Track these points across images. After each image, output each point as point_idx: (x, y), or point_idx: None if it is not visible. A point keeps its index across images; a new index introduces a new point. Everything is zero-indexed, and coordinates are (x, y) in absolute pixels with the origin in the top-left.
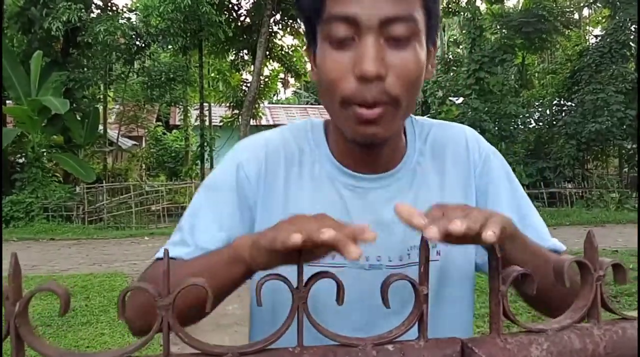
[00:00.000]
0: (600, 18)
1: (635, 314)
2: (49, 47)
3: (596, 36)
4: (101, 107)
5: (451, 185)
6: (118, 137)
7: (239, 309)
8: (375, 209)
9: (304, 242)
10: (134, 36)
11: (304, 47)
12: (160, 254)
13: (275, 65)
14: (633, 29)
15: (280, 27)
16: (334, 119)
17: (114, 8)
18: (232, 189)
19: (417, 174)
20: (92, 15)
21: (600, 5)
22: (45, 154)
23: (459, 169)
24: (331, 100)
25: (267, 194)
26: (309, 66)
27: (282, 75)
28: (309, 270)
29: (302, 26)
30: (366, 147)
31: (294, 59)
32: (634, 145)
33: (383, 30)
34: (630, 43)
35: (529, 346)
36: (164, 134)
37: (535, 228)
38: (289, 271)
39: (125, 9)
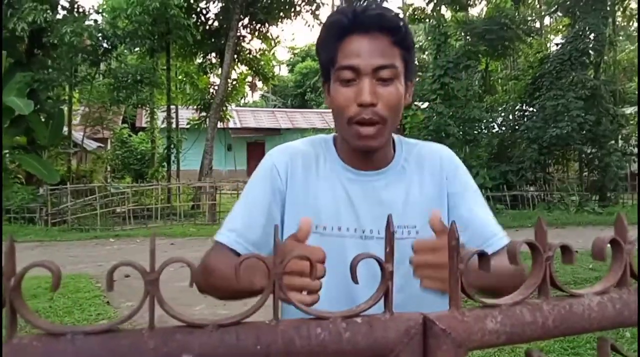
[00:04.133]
0: (560, 27)
1: (581, 292)
2: (13, 47)
3: (557, 44)
4: (66, 108)
5: (427, 185)
6: (83, 138)
7: (205, 308)
8: (375, 193)
9: None
10: (100, 38)
11: (322, 82)
12: (218, 238)
13: (243, 68)
14: (592, 38)
15: (249, 30)
16: (342, 134)
17: (81, 9)
18: (267, 180)
19: (403, 174)
20: (58, 16)
21: (560, 14)
22: (8, 155)
23: (435, 175)
24: (341, 120)
25: (291, 186)
26: (277, 69)
27: (250, 78)
28: (316, 239)
29: (320, 70)
30: (364, 153)
31: (262, 62)
32: (593, 150)
33: (375, 74)
34: (589, 51)
35: (484, 319)
36: (130, 136)
37: (481, 219)
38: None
39: (92, 11)
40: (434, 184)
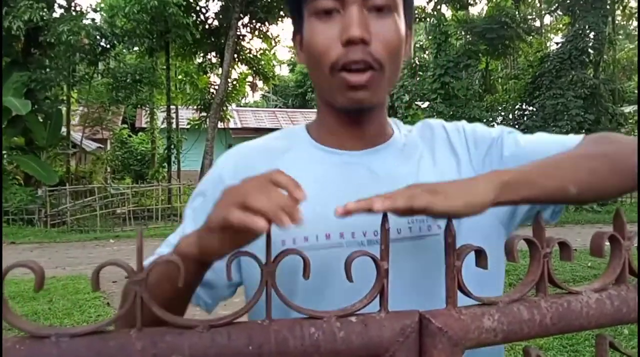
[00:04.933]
0: (560, 25)
1: (579, 289)
2: (9, 46)
3: (557, 43)
4: (64, 108)
5: (442, 162)
6: (82, 139)
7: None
8: (374, 179)
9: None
10: (98, 37)
11: (292, 37)
12: (159, 250)
13: (244, 68)
14: (591, 36)
15: (249, 30)
16: (324, 91)
17: (78, 8)
18: (207, 193)
19: (408, 150)
20: (55, 14)
21: (560, 13)
22: (5, 156)
23: (450, 146)
24: (321, 71)
25: None
26: (278, 69)
27: (250, 78)
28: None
29: (289, 14)
30: (354, 119)
31: (262, 62)
32: None
33: (365, 2)
34: (589, 50)
35: (481, 317)
36: (130, 136)
37: (545, 141)
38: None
39: (89, 9)
40: (452, 159)
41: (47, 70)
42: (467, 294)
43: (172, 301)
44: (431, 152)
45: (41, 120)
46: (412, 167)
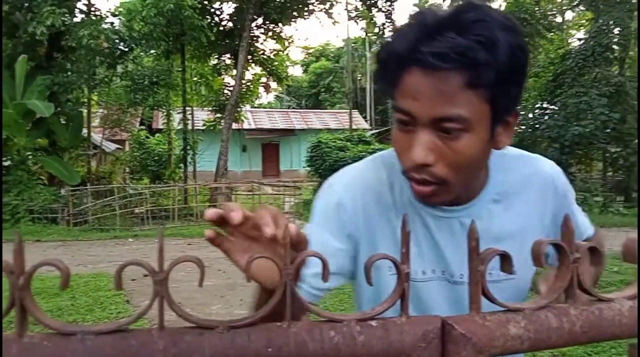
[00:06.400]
0: (583, 21)
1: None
2: (33, 51)
3: (579, 39)
4: (85, 110)
5: (526, 214)
6: (102, 140)
7: (222, 308)
8: (464, 232)
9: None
10: (117, 40)
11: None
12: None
13: (257, 69)
14: (616, 32)
15: (262, 31)
16: None
17: (97, 13)
18: (333, 222)
19: (496, 204)
20: (76, 19)
21: (583, 8)
22: (30, 157)
23: (540, 203)
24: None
25: (367, 230)
26: (291, 70)
27: (264, 79)
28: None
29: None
30: None
31: (276, 63)
32: (618, 149)
33: (435, 125)
34: (614, 46)
35: (507, 324)
36: (147, 137)
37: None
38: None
39: (108, 14)
40: (536, 211)
41: (69, 73)
42: (491, 300)
43: None
44: (518, 205)
45: (63, 122)
46: (496, 220)
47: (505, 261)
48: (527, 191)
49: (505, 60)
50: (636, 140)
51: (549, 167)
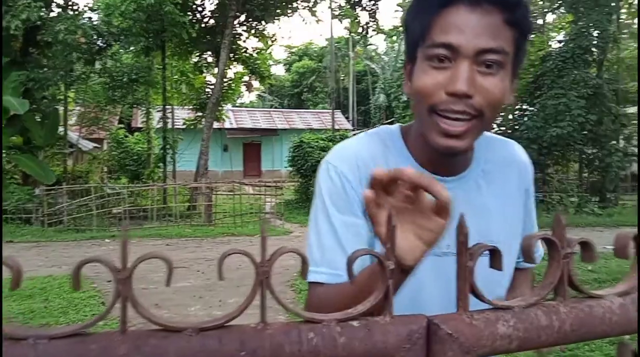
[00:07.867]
0: (563, 24)
1: (601, 293)
2: (7, 46)
3: (559, 41)
4: (61, 108)
5: (512, 194)
6: (79, 139)
7: (200, 310)
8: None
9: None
10: (95, 36)
11: (403, 65)
12: (311, 278)
13: (239, 67)
14: (595, 35)
15: (245, 28)
16: (422, 127)
17: (75, 7)
18: (343, 198)
19: (483, 179)
20: (53, 14)
21: (563, 10)
22: (4, 155)
23: (517, 183)
24: (421, 109)
25: None
26: (273, 69)
27: (246, 78)
28: None
29: (404, 46)
30: (445, 155)
31: (258, 61)
32: (594, 150)
33: (477, 58)
34: (592, 49)
35: (495, 322)
36: (126, 136)
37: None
38: None
39: (86, 8)
40: (514, 194)
41: (45, 69)
42: (479, 297)
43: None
44: (503, 183)
45: (39, 119)
46: (485, 195)
47: (495, 257)
48: (508, 172)
49: (528, 14)
50: (611, 142)
51: (525, 156)
